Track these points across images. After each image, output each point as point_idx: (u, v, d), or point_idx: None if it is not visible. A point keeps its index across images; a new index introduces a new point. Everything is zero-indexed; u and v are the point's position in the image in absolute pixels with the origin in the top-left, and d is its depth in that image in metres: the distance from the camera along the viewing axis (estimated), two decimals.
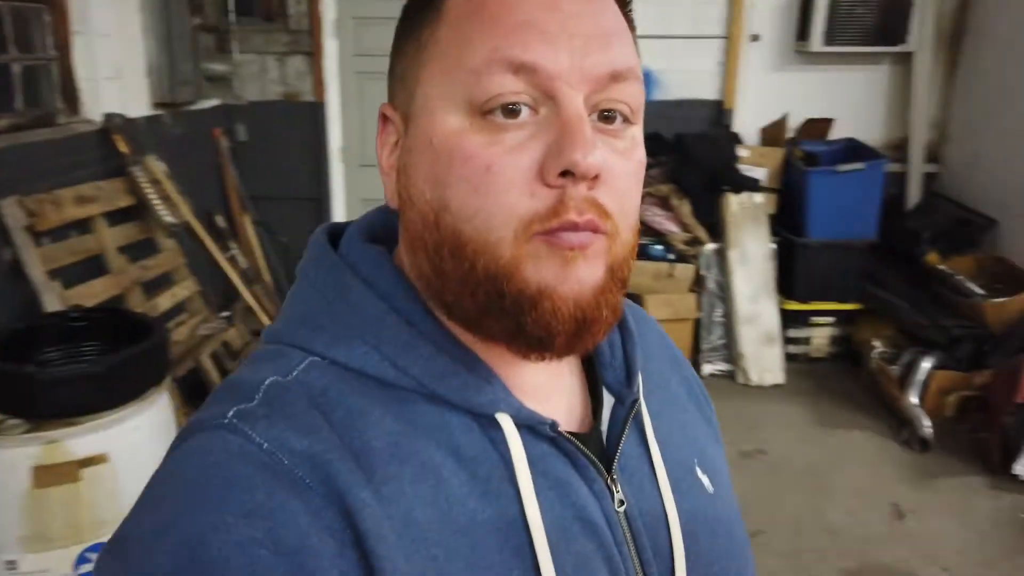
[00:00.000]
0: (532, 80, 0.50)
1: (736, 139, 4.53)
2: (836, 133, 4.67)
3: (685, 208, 4.29)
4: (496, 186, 0.50)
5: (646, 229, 4.31)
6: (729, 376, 4.25)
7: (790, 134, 4.65)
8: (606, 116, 0.52)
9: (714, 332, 4.30)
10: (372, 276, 0.57)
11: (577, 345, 0.53)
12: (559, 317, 0.51)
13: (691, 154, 4.33)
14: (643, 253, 4.20)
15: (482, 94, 0.50)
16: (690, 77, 4.69)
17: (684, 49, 4.63)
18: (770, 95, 4.68)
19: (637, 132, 0.55)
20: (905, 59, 4.60)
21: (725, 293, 4.25)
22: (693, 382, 0.77)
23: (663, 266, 4.17)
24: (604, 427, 0.62)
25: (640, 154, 0.55)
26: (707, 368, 4.28)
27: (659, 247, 4.24)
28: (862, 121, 4.71)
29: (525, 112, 0.51)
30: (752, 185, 4.31)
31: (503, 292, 0.51)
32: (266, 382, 0.52)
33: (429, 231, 0.53)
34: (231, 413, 0.50)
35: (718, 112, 4.73)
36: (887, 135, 4.76)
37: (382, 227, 0.63)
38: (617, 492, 0.58)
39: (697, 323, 4.30)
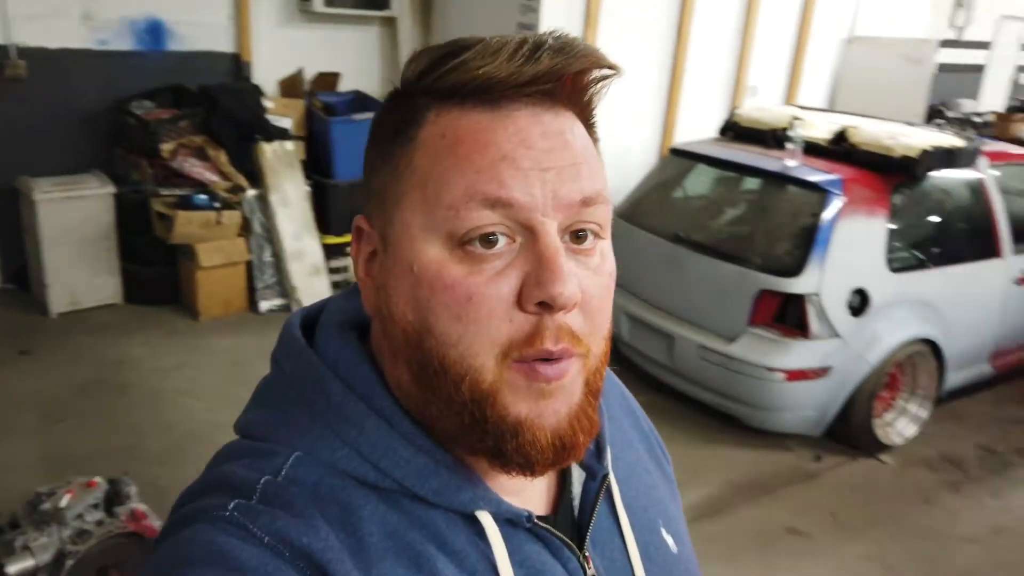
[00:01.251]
0: (508, 213, 0.51)
1: (259, 91, 4.84)
2: (343, 86, 5.32)
3: (222, 157, 4.50)
4: (478, 314, 0.51)
5: (188, 180, 4.41)
6: (286, 309, 4.68)
7: (306, 86, 5.14)
8: (578, 236, 0.55)
9: (266, 272, 4.66)
10: (351, 376, 0.57)
11: (557, 466, 0.55)
12: (537, 447, 0.53)
13: (220, 105, 4.52)
14: (189, 204, 4.31)
15: (460, 227, 0.51)
16: (203, 30, 4.81)
17: (195, 1, 4.72)
18: (283, 50, 5.08)
19: (606, 246, 0.57)
20: (391, 22, 5.44)
21: (271, 234, 4.63)
22: (651, 436, 0.80)
23: (210, 215, 4.34)
24: (576, 501, 0.64)
25: (610, 265, 0.57)
26: (264, 305, 4.64)
27: (203, 196, 4.39)
28: (363, 75, 5.45)
29: (502, 241, 0.52)
30: (282, 134, 4.71)
31: (486, 416, 0.53)
32: (262, 481, 0.53)
33: (412, 350, 0.54)
34: (231, 506, 0.51)
35: (236, 65, 4.96)
36: (384, 87, 5.59)
37: (355, 312, 0.63)
38: (589, 568, 0.61)
39: (249, 265, 4.60)
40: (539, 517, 0.59)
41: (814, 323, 3.42)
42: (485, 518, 0.56)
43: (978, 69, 10.85)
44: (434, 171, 0.53)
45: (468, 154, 0.52)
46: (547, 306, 0.51)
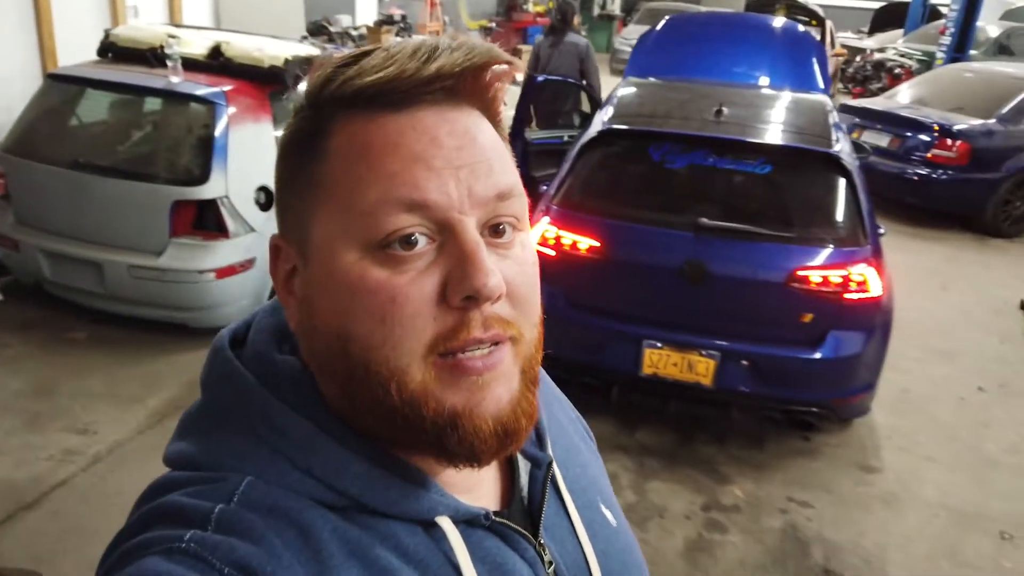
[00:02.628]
0: (426, 214, 0.52)
1: None
2: None
3: None
4: (403, 315, 0.51)
5: None
6: None
7: None
8: (496, 230, 0.55)
9: None
10: (292, 396, 0.56)
11: (502, 453, 0.55)
12: (480, 436, 0.53)
13: None
14: None
15: (378, 233, 0.51)
16: None
17: None
18: None
19: (525, 237, 0.58)
20: None
21: None
22: (577, 421, 0.83)
23: None
24: (524, 492, 0.66)
25: (532, 255, 0.58)
26: None
27: None
28: None
29: (422, 241, 0.52)
30: None
31: (421, 415, 0.53)
32: (216, 509, 0.51)
33: (337, 360, 0.54)
34: (188, 537, 0.49)
35: None
36: None
37: (285, 327, 0.62)
38: (546, 554, 0.63)
39: None
40: (494, 512, 0.60)
41: (230, 223, 3.82)
42: (445, 523, 0.56)
43: None
44: (347, 179, 0.52)
45: (379, 158, 0.52)
46: (473, 299, 0.52)
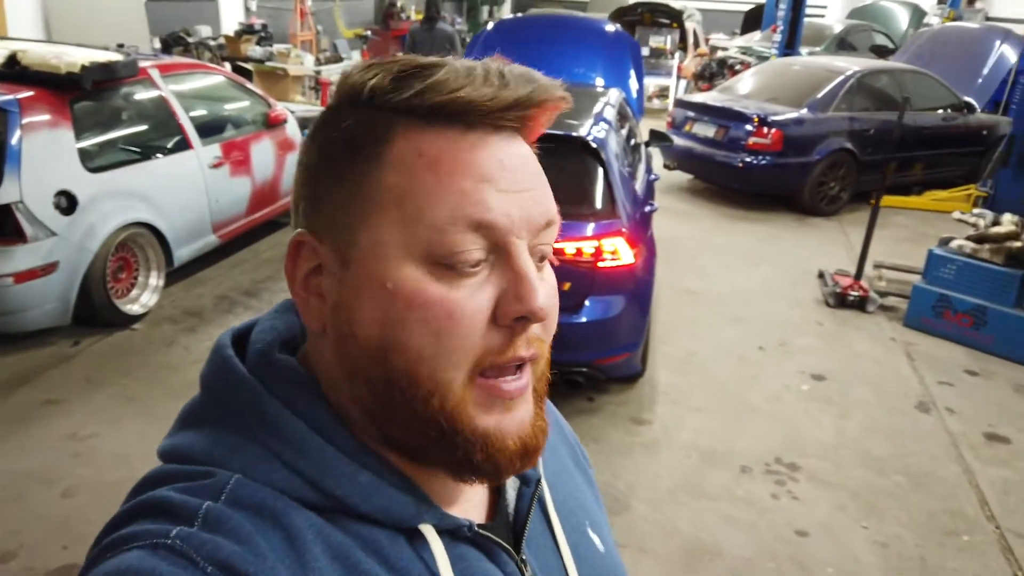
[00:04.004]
0: (489, 235, 0.53)
1: None
2: None
3: None
4: (459, 330, 0.53)
5: None
6: None
7: None
8: (537, 255, 0.57)
9: None
10: (289, 395, 0.57)
11: (521, 469, 0.58)
12: (506, 455, 0.55)
13: None
14: None
15: (445, 249, 0.52)
16: None
17: None
18: None
19: (548, 264, 0.60)
20: None
21: None
22: (575, 444, 0.84)
23: None
24: (510, 507, 0.66)
25: (554, 280, 0.60)
26: None
27: None
28: None
29: (480, 261, 0.54)
30: None
31: (455, 429, 0.54)
32: (203, 506, 0.51)
33: (375, 367, 0.55)
34: (174, 533, 0.49)
35: None
36: None
37: (287, 331, 0.64)
38: (527, 570, 0.63)
39: None
40: (478, 525, 0.60)
41: (27, 227, 3.87)
42: (429, 531, 0.57)
43: None
44: (413, 189, 0.53)
45: (450, 175, 0.53)
46: (524, 320, 0.54)
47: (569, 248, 3.43)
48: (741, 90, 8.21)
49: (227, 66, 9.33)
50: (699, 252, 6.36)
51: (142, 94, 4.83)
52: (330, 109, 0.58)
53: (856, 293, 5.27)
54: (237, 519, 0.51)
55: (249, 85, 6.00)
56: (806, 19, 15.41)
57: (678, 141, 7.97)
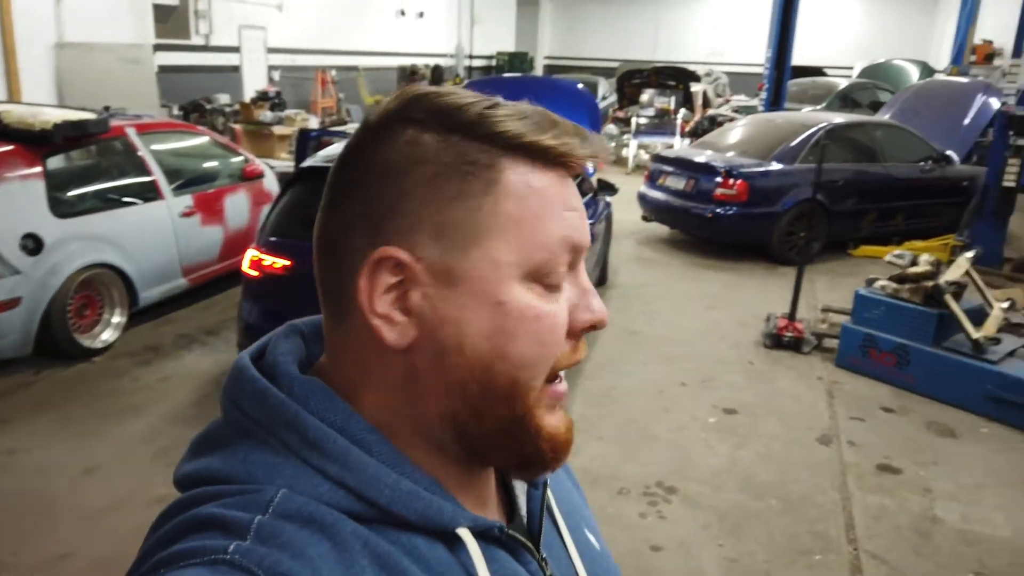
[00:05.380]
0: (574, 256, 0.61)
1: None
2: None
3: None
4: (558, 340, 0.60)
5: None
6: None
7: None
8: None
9: None
10: (325, 410, 0.59)
11: (565, 461, 0.65)
12: (567, 448, 0.63)
13: None
14: None
15: (550, 268, 0.59)
16: None
17: None
18: None
19: None
20: None
21: None
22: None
23: None
24: (523, 510, 0.70)
25: None
26: None
27: None
28: None
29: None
30: None
31: (530, 428, 0.60)
32: (255, 520, 0.52)
33: (477, 376, 0.58)
34: (231, 548, 0.49)
35: None
36: None
37: (301, 352, 0.66)
38: (548, 569, 0.67)
39: None
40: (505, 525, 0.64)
41: None
42: (465, 534, 0.59)
43: (235, 69, 12.90)
44: (529, 215, 0.58)
45: (553, 203, 0.59)
46: (592, 327, 0.62)
47: None
48: (716, 144, 8.47)
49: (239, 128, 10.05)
50: (657, 297, 6.55)
51: (116, 149, 5.34)
52: (403, 122, 0.59)
53: (790, 334, 5.38)
54: (290, 531, 0.51)
55: (230, 143, 6.51)
56: (819, 78, 15.75)
57: (653, 194, 8.26)
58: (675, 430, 4.20)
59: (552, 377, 0.61)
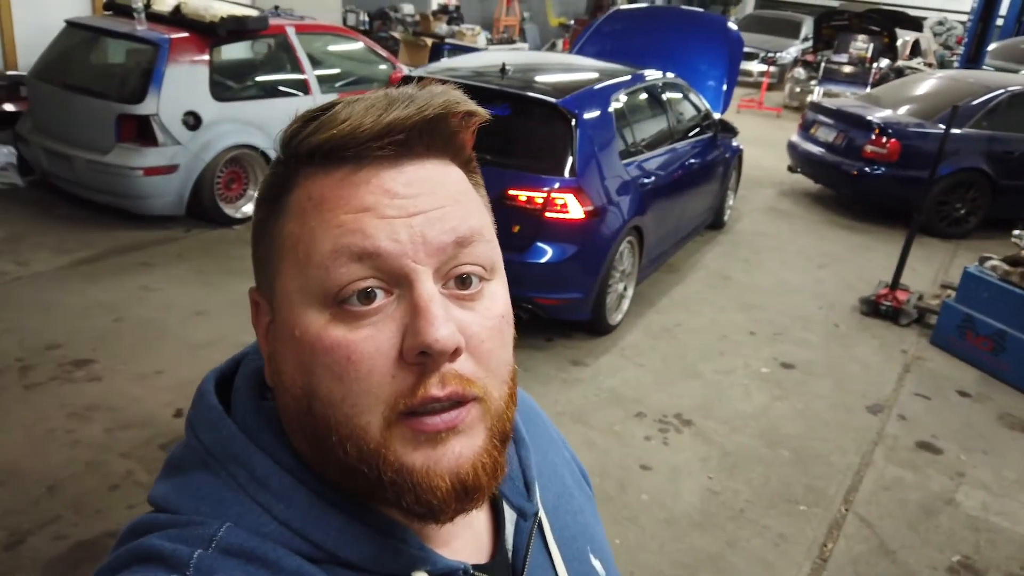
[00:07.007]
0: (377, 264, 0.51)
1: None
2: None
3: None
4: (358, 373, 0.51)
5: None
6: None
7: None
8: (462, 280, 0.54)
9: None
10: (273, 448, 0.56)
11: (463, 510, 0.54)
12: (438, 495, 0.52)
13: None
14: None
15: (333, 285, 0.51)
16: None
17: None
18: None
19: (496, 286, 0.57)
20: None
21: None
22: (573, 462, 0.83)
23: None
24: (509, 543, 0.66)
25: (500, 307, 0.56)
26: None
27: None
28: None
29: (380, 295, 0.52)
30: None
31: (379, 474, 0.52)
32: (195, 554, 0.50)
33: (303, 416, 0.54)
34: None
35: None
36: None
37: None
38: None
39: None
40: (475, 566, 0.59)
41: (159, 134, 5.12)
42: None
43: None
44: (303, 233, 0.53)
45: (332, 211, 0.52)
46: (428, 355, 0.51)
47: (522, 195, 3.95)
48: (885, 97, 7.87)
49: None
50: (770, 248, 6.40)
51: (275, 45, 5.99)
52: (270, 165, 0.58)
53: (888, 303, 5.13)
54: (230, 566, 0.50)
55: (381, 51, 7.03)
56: None
57: (803, 144, 7.87)
58: (721, 373, 4.27)
59: (412, 414, 0.52)
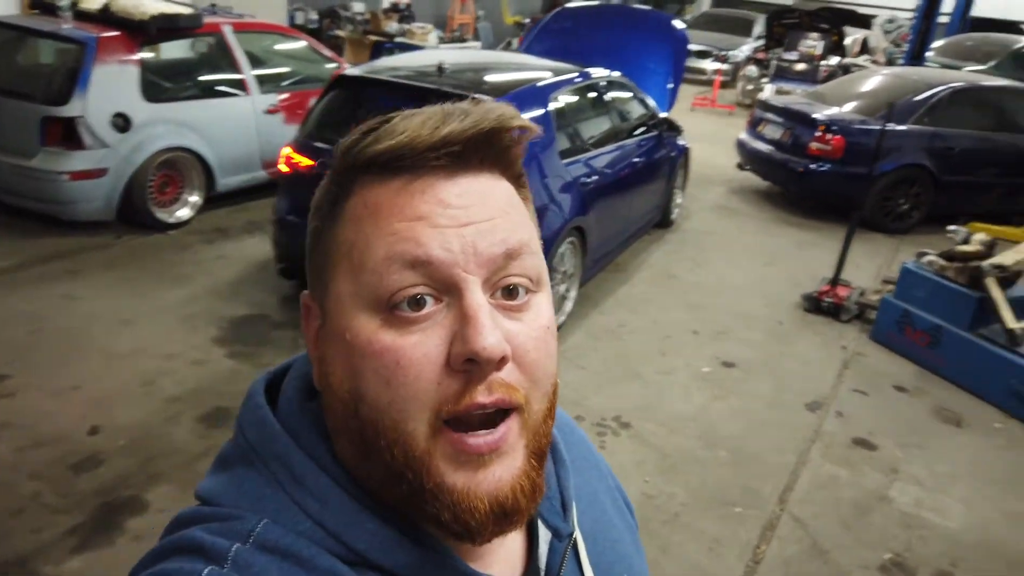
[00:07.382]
0: (429, 272, 0.53)
1: None
2: None
3: None
4: (406, 378, 0.52)
5: None
6: None
7: None
8: (510, 291, 0.55)
9: None
10: (314, 448, 0.58)
11: (500, 533, 0.55)
12: (476, 516, 0.53)
13: None
14: None
15: (385, 291, 0.53)
16: None
17: None
18: None
19: (541, 299, 0.58)
20: None
21: None
22: (616, 490, 0.82)
23: None
24: (542, 562, 0.65)
25: (545, 319, 0.57)
26: None
27: None
28: None
29: (429, 303, 0.53)
30: None
31: (422, 484, 0.53)
32: (233, 548, 0.52)
33: (351, 419, 0.55)
34: (205, 572, 0.50)
35: None
36: None
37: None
38: None
39: None
40: None
41: (85, 137, 4.94)
42: None
43: None
44: (358, 239, 0.54)
45: (386, 219, 0.54)
46: (475, 363, 0.51)
47: None
48: (830, 95, 7.94)
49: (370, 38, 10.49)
50: (717, 246, 6.41)
51: (210, 44, 5.83)
52: (326, 175, 0.60)
53: (829, 300, 5.16)
54: (263, 563, 0.52)
55: (325, 50, 6.88)
56: (1003, 35, 14.11)
57: (750, 142, 7.91)
58: (661, 373, 4.24)
59: (457, 423, 0.53)
